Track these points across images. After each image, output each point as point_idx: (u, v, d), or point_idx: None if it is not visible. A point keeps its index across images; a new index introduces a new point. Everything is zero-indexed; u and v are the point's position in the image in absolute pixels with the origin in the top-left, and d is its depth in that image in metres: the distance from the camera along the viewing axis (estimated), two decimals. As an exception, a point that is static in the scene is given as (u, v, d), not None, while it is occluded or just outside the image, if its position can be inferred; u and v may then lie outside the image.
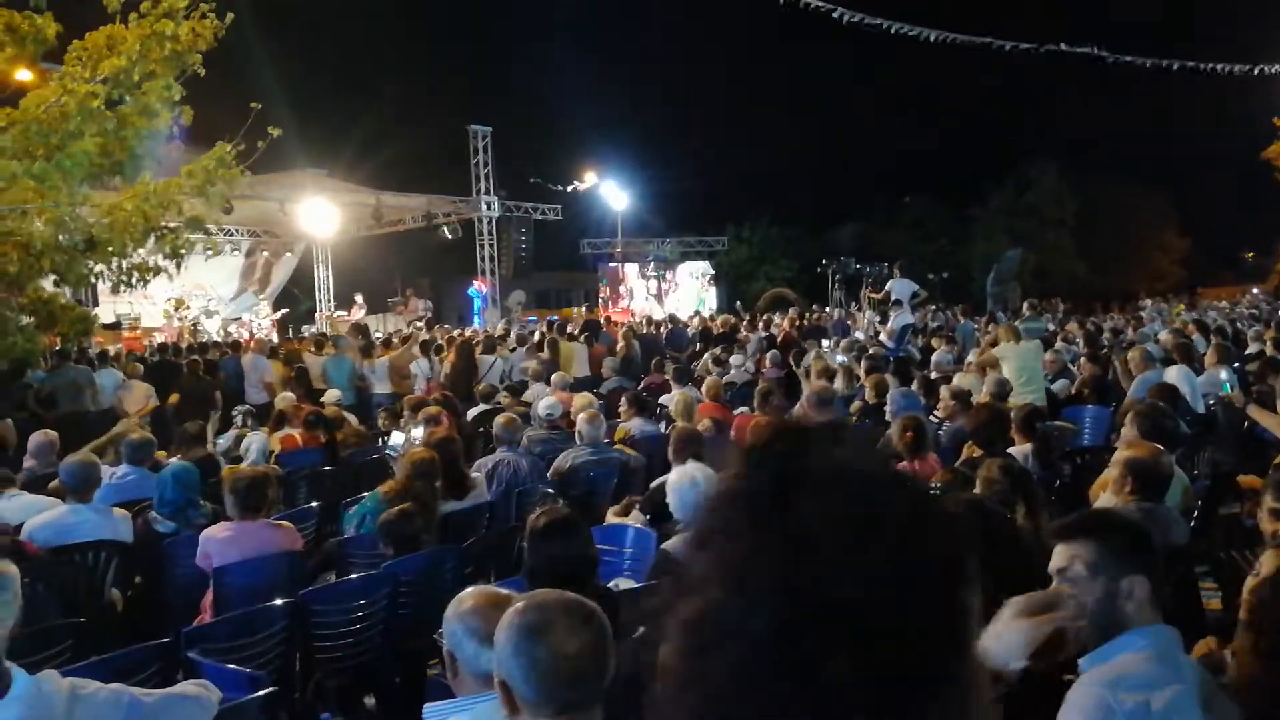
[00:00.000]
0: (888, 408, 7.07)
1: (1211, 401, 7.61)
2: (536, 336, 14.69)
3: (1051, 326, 16.00)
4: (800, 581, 0.72)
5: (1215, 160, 45.42)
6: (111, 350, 15.12)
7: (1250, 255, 53.33)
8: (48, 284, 10.15)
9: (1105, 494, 4.06)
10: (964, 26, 16.47)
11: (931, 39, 16.13)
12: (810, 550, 0.73)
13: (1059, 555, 2.17)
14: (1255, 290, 31.61)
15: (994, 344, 9.37)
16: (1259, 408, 5.98)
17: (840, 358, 10.76)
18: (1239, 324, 17.13)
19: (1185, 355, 8.42)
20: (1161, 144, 47.12)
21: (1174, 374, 7.64)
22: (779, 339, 14.57)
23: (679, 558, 0.87)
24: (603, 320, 19.98)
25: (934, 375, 9.45)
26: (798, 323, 17.77)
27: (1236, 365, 8.91)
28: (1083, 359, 10.26)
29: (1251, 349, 11.23)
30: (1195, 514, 4.55)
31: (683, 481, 3.86)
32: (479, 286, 26.78)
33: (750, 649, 0.72)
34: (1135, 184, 44.76)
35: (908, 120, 55.03)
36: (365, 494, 5.39)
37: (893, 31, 15.72)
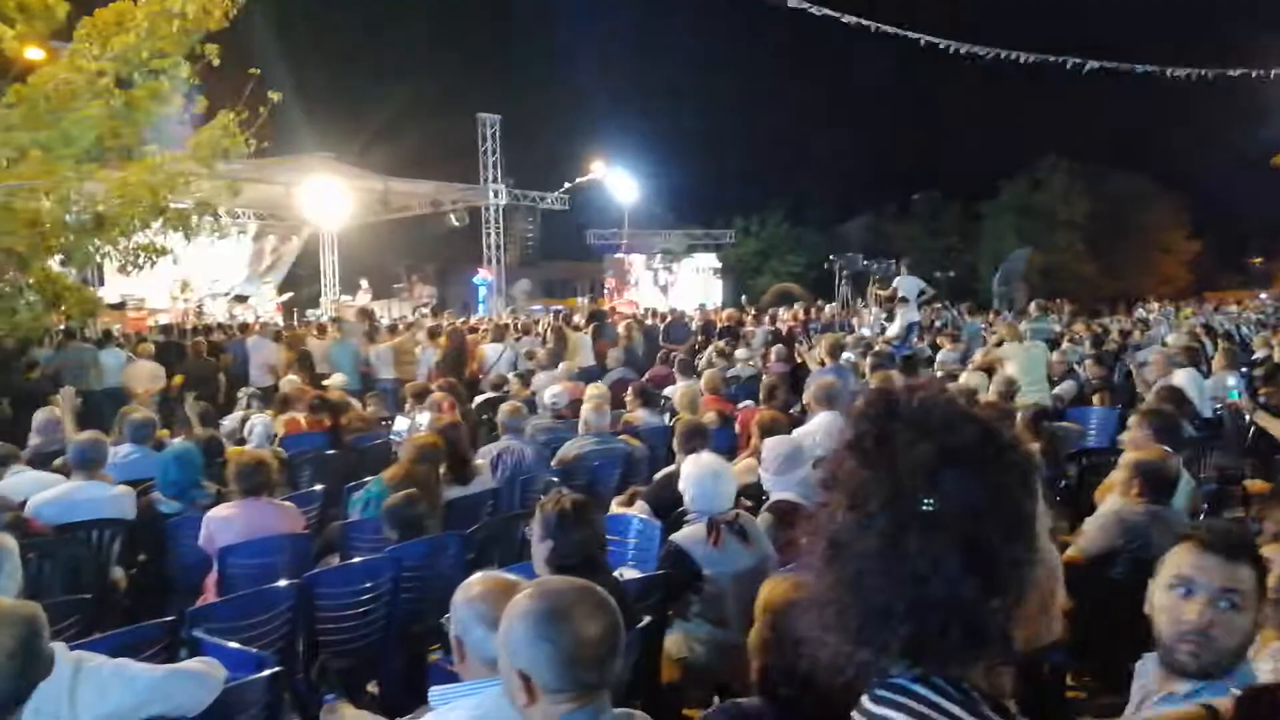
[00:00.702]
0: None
1: (1218, 405, 7.59)
2: (541, 326, 14.68)
3: (1058, 328, 15.96)
4: (899, 502, 0.99)
5: (1227, 164, 45.20)
6: (115, 330, 15.14)
7: (1259, 260, 53.20)
8: (54, 264, 10.15)
9: (1112, 496, 4.05)
10: (978, 26, 16.43)
11: (952, 50, 16.09)
12: (903, 479, 1.00)
13: (1220, 573, 1.92)
14: (1263, 295, 31.50)
15: (999, 344, 9.35)
16: (1266, 414, 5.96)
17: (847, 354, 10.73)
18: (1245, 329, 17.08)
19: (1193, 359, 8.39)
20: (1175, 146, 46.89)
21: (1181, 377, 7.62)
22: (784, 333, 14.55)
23: (808, 502, 1.19)
24: (607, 311, 19.94)
25: (939, 374, 9.43)
26: (802, 317, 17.75)
27: (1244, 370, 8.88)
28: (1089, 360, 10.25)
29: (1259, 354, 11.20)
30: (1201, 518, 4.54)
31: (704, 474, 3.83)
32: (485, 274, 26.78)
33: (865, 556, 1.01)
34: (1147, 186, 44.56)
35: (919, 117, 54.89)
36: (369, 478, 5.40)
37: (906, 37, 15.72)
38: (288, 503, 4.89)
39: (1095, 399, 8.75)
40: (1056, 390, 9.12)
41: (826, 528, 1.07)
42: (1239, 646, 1.90)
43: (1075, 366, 10.07)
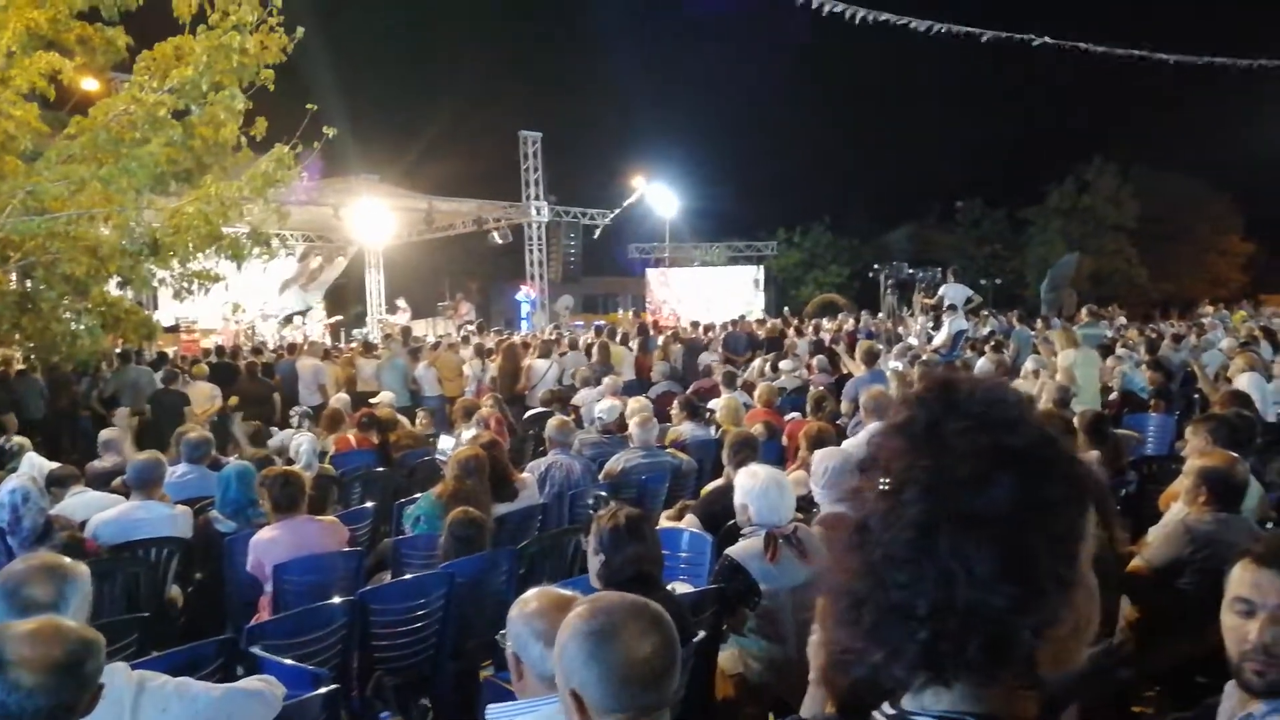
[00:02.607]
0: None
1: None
2: (583, 341, 14.73)
3: (1110, 333, 15.65)
4: (940, 492, 0.93)
5: (1280, 162, 44.10)
6: (170, 353, 15.44)
7: (1316, 261, 51.72)
8: (112, 288, 10.39)
9: (1177, 504, 3.94)
10: (1021, 26, 16.24)
11: (984, 38, 15.92)
12: (950, 470, 0.94)
13: (1277, 589, 1.87)
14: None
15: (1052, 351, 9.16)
16: None
17: (894, 363, 10.61)
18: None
19: (1253, 362, 8.17)
20: (1226, 146, 45.81)
21: (1244, 381, 7.42)
22: (825, 344, 14.45)
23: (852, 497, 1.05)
24: (650, 325, 19.97)
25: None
26: (850, 327, 17.63)
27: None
28: (1144, 365, 10.03)
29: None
30: (1270, 525, 4.39)
31: (765, 487, 3.77)
32: (527, 291, 26.95)
33: (898, 540, 0.94)
34: (1199, 187, 43.61)
35: (963, 123, 54.32)
36: (419, 494, 5.43)
37: (944, 32, 15.55)
38: (330, 518, 4.92)
39: (1152, 406, 8.56)
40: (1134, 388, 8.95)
41: (856, 512, 1.01)
42: None
43: (1130, 372, 9.85)
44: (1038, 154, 46.42)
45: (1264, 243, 46.78)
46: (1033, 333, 14.37)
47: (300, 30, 9.38)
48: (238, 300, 14.14)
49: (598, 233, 28.86)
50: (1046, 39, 15.93)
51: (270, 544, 4.41)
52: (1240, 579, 1.92)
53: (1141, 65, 17.78)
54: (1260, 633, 1.83)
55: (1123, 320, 21.75)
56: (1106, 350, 11.48)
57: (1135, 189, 41.63)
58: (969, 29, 15.74)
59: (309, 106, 9.67)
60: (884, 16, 15.39)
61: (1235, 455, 3.82)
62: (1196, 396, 9.03)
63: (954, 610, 0.91)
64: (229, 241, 10.04)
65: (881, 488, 0.99)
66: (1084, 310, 15.93)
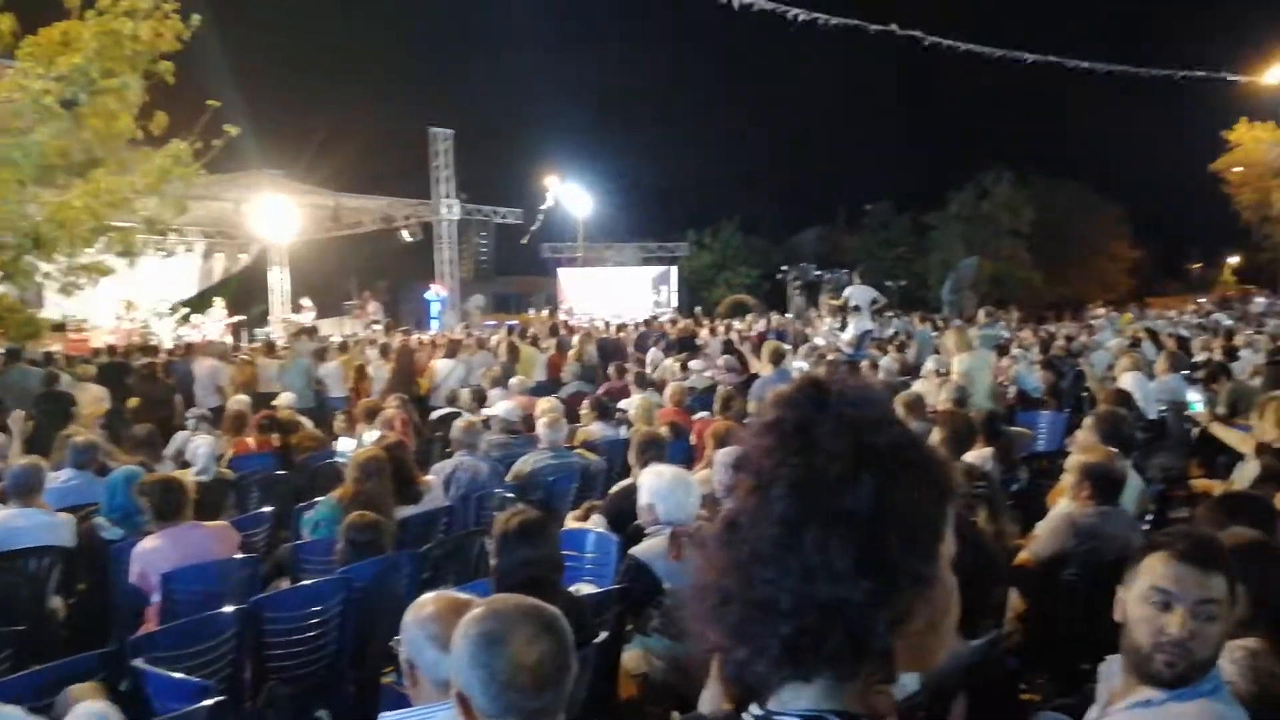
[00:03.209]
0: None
1: (1163, 407, 7.75)
2: (494, 341, 14.59)
3: (1007, 334, 16.21)
4: (807, 490, 0.95)
5: (1166, 172, 46.51)
6: (55, 352, 14.71)
7: (1198, 266, 54.66)
8: (-4, 285, 9.89)
9: (1063, 499, 4.09)
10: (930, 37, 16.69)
11: (895, 30, 16.22)
12: (817, 468, 0.96)
13: (1197, 584, 1.93)
14: (1202, 300, 32.34)
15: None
16: (1221, 425, 6.10)
17: (799, 363, 10.80)
18: (1183, 331, 17.50)
19: (1136, 362, 8.56)
20: (1115, 155, 48.10)
21: (1128, 380, 7.77)
22: (734, 343, 14.62)
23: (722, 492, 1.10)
24: (561, 324, 19.91)
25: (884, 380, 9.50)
26: (760, 328, 17.87)
27: (1185, 372, 9.07)
28: (1037, 366, 10.42)
29: (1199, 357, 11.46)
30: (1149, 518, 4.61)
31: (671, 485, 3.77)
32: (437, 290, 26.57)
33: (765, 536, 0.96)
34: (1090, 195, 45.68)
35: (871, 129, 55.68)
36: (320, 499, 5.29)
37: (830, 24, 15.77)
38: (219, 523, 4.74)
39: (1044, 403, 8.90)
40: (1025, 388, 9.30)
41: (727, 509, 1.04)
42: (1213, 655, 1.92)
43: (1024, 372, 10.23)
44: (941, 161, 48.04)
45: (1150, 249, 49.26)
46: (934, 333, 14.80)
47: (196, 18, 9.06)
48: (131, 298, 13.59)
49: (526, 238, 28.62)
50: (938, 40, 16.38)
51: (153, 553, 4.22)
52: (1159, 571, 1.97)
53: (1039, 75, 18.49)
54: (1180, 626, 1.89)
55: (1016, 321, 22.53)
56: (1003, 350, 11.89)
57: (1030, 196, 43.33)
58: (858, 22, 16.01)
59: (210, 103, 9.37)
60: (791, 13, 15.60)
61: (1114, 451, 3.99)
62: (1085, 394, 9.42)
63: (815, 605, 0.93)
64: (120, 235, 9.64)
65: (751, 485, 1.00)
66: (982, 311, 16.50)
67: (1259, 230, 37.78)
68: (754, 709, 1.01)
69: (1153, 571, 1.98)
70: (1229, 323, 18.55)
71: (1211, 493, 4.48)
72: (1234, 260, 48.43)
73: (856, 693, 0.97)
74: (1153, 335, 14.02)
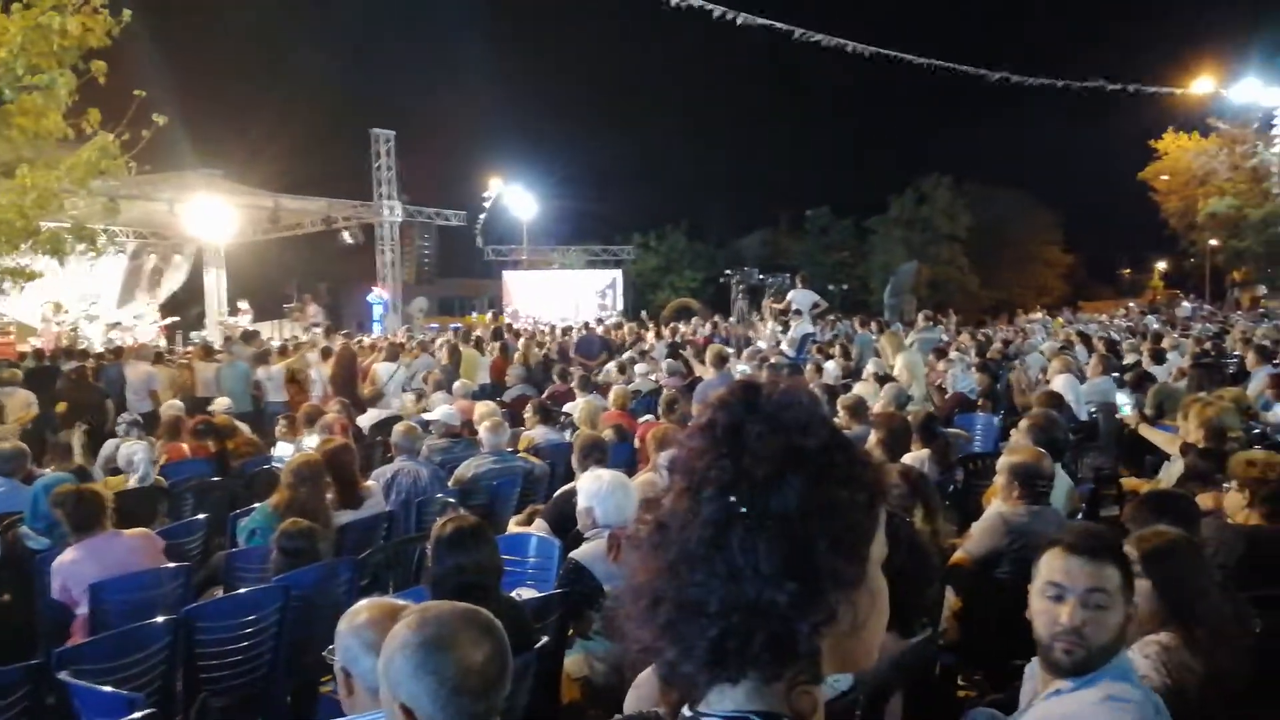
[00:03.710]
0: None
1: (1093, 409, 7.96)
2: (438, 344, 14.44)
3: (945, 337, 16.51)
4: (735, 491, 0.96)
5: (1098, 180, 47.86)
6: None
7: (1128, 272, 56.30)
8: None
9: (996, 500, 4.18)
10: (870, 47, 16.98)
11: (834, 45, 16.50)
12: (746, 470, 0.96)
13: (1086, 574, 2.03)
14: (1131, 304, 33.32)
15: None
16: (1149, 427, 6.28)
17: (742, 366, 10.88)
18: (1113, 335, 18.01)
19: (1068, 365, 8.80)
20: (1049, 163, 49.32)
21: (1060, 383, 7.97)
22: (678, 347, 14.67)
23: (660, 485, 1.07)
24: (505, 328, 19.80)
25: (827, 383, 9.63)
26: (706, 331, 17.96)
27: (1115, 375, 9.34)
28: (973, 369, 10.63)
29: (1128, 360, 11.81)
30: (1080, 516, 4.73)
31: (610, 489, 3.77)
32: (380, 292, 26.26)
33: (694, 538, 0.97)
34: (1025, 201, 46.82)
35: (814, 135, 56.35)
36: (256, 505, 5.18)
37: (759, 26, 15.97)
38: (141, 530, 4.61)
39: (979, 406, 9.08)
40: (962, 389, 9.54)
41: (657, 511, 1.03)
42: (1111, 642, 2.01)
43: (962, 375, 10.42)
44: (882, 166, 48.82)
45: (1082, 254, 50.66)
46: (874, 337, 15.02)
47: (127, 13, 8.81)
48: (58, 301, 13.19)
49: (478, 229, 28.26)
50: (875, 48, 16.70)
51: (72, 566, 4.10)
52: (1051, 565, 2.08)
53: (978, 85, 18.91)
54: (1071, 616, 1.99)
55: (955, 325, 22.97)
56: (941, 353, 12.11)
57: (968, 202, 44.26)
58: (794, 28, 16.23)
59: (137, 93, 9.12)
60: (737, 18, 15.74)
61: (1042, 451, 4.09)
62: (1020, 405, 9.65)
63: (741, 607, 0.94)
64: (48, 236, 9.35)
65: (682, 487, 1.00)
66: (920, 315, 16.77)
67: (1185, 237, 39.08)
68: (685, 710, 1.01)
69: (1048, 566, 2.09)
70: (1156, 326, 19.14)
71: (1140, 491, 4.62)
72: (1162, 266, 50.01)
73: (782, 694, 0.97)
74: (1084, 339, 14.41)
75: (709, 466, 0.98)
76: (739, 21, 15.31)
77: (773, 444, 0.97)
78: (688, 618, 0.97)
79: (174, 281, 26.96)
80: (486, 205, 28.96)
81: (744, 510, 0.95)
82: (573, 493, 4.72)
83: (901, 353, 9.03)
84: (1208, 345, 13.68)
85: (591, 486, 3.80)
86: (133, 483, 5.98)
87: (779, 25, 16.00)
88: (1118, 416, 7.26)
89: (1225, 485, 3.65)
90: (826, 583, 0.95)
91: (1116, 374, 9.63)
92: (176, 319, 24.20)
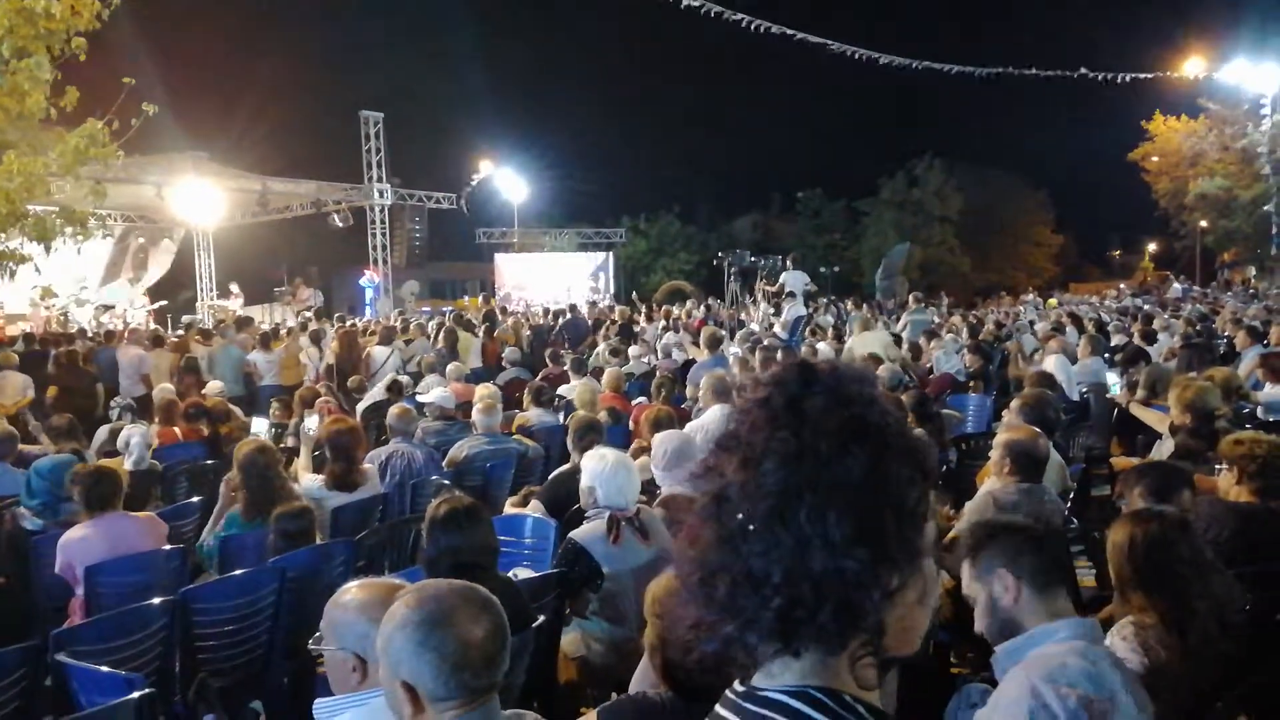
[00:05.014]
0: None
1: (1085, 389, 8.00)
2: (431, 327, 14.42)
3: (937, 319, 16.55)
4: (799, 463, 0.97)
5: (1089, 161, 47.89)
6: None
7: (1118, 253, 56.43)
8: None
9: (989, 478, 4.21)
10: (857, 30, 17.00)
11: (831, 46, 16.57)
12: (809, 442, 0.97)
13: (964, 576, 2.35)
14: (1122, 285, 33.42)
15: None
16: (1140, 405, 6.31)
17: (735, 349, 10.89)
18: (1104, 316, 18.07)
19: (1064, 346, 8.84)
20: (1041, 145, 49.31)
21: (1052, 363, 8.00)
22: (672, 329, 14.67)
23: (708, 457, 1.07)
24: (497, 311, 19.76)
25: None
26: (700, 314, 17.97)
27: (1105, 356, 9.38)
28: (966, 350, 10.66)
29: (1118, 341, 11.86)
30: (1071, 495, 4.76)
31: (614, 469, 3.77)
32: (371, 276, 26.17)
33: (756, 509, 0.97)
34: (1016, 183, 46.84)
35: (806, 117, 56.20)
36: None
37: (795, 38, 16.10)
38: (147, 514, 4.62)
39: (971, 387, 9.12)
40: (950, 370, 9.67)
41: (713, 485, 1.03)
42: (1019, 618, 2.19)
43: (955, 355, 10.46)
44: (874, 148, 48.72)
45: (1072, 236, 50.73)
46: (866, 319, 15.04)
47: None
48: (48, 285, 13.11)
49: (462, 202, 28.04)
50: (873, 53, 16.76)
51: (81, 544, 4.11)
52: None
53: (968, 73, 18.91)
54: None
55: (947, 307, 23.04)
56: (932, 335, 12.14)
57: (959, 184, 44.26)
58: (818, 38, 16.34)
59: (125, 80, 9.03)
60: (733, 15, 15.79)
61: (1039, 431, 4.11)
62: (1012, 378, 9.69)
63: (808, 576, 0.94)
64: (35, 221, 9.28)
65: (740, 461, 1.01)
66: (911, 297, 16.81)
67: (1175, 218, 39.13)
68: (737, 685, 1.02)
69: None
70: (1147, 308, 19.21)
71: (1128, 469, 4.65)
72: (1152, 247, 50.13)
73: (845, 667, 0.98)
74: (1076, 320, 14.46)
75: (769, 439, 0.99)
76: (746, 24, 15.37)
77: (835, 416, 0.98)
78: (749, 590, 0.97)
79: (160, 265, 26.79)
80: (473, 184, 28.77)
81: (810, 480, 0.95)
82: (569, 475, 4.74)
83: (866, 332, 9.28)
84: (1198, 326, 13.73)
85: (595, 466, 3.80)
86: (128, 466, 5.97)
87: (775, 28, 16.10)
88: (1108, 396, 7.31)
89: (1218, 466, 3.68)
90: (896, 551, 0.96)
91: (1107, 354, 9.68)
92: (164, 302, 24.09)
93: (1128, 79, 20.49)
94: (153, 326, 19.27)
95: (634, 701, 2.21)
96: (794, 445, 0.97)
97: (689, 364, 10.26)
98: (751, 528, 0.97)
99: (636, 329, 15.27)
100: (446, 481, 5.57)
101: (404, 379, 9.53)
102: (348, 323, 17.22)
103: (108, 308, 21.18)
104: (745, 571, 0.96)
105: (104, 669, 3.02)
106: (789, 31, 16.46)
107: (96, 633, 3.33)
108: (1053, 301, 24.71)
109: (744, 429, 1.02)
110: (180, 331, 18.05)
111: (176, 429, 7.59)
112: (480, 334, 13.69)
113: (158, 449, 7.11)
